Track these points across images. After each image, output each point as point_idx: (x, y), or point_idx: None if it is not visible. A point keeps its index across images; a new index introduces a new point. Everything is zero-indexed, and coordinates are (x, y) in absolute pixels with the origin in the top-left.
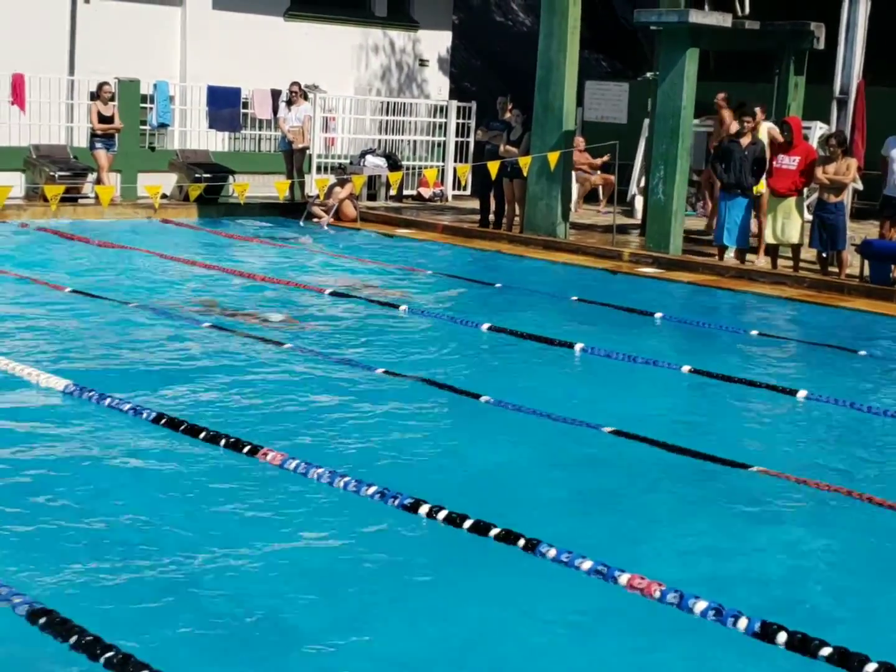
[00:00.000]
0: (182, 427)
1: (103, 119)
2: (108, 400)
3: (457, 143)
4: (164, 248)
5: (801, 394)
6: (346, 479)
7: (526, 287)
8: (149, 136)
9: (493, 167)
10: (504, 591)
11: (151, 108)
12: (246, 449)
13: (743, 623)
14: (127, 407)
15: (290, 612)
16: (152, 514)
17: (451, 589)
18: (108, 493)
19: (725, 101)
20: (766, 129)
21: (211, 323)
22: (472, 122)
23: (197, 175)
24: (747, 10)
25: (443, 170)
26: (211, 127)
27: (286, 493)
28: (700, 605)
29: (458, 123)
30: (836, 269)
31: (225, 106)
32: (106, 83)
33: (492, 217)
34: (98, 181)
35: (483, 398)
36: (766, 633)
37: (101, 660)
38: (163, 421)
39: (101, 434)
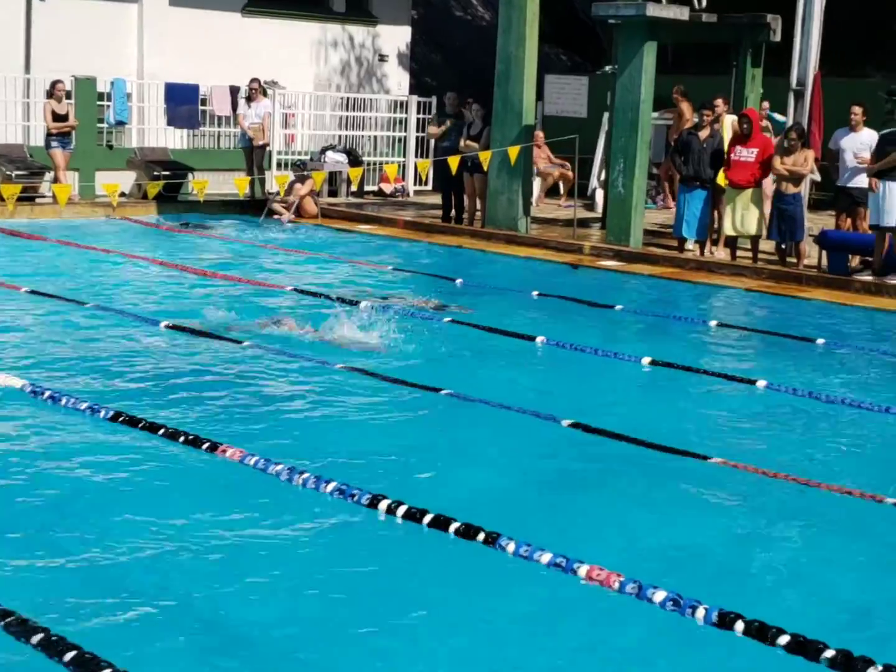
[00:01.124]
0: (140, 424)
1: (58, 118)
2: (65, 399)
3: (417, 138)
4: (123, 247)
5: (761, 383)
6: (305, 475)
7: (488, 282)
8: (106, 134)
9: (454, 162)
10: (465, 585)
11: (109, 106)
12: (205, 446)
13: (701, 613)
14: (84, 406)
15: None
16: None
17: (412, 586)
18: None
19: (683, 94)
20: (730, 122)
21: (172, 323)
22: (431, 117)
23: (156, 173)
24: (704, 2)
25: (404, 165)
26: (169, 124)
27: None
28: (659, 596)
29: (418, 119)
30: (794, 260)
31: (183, 103)
32: (59, 81)
33: (453, 212)
34: (55, 180)
35: (443, 391)
36: (724, 621)
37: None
38: (121, 419)
39: (56, 432)
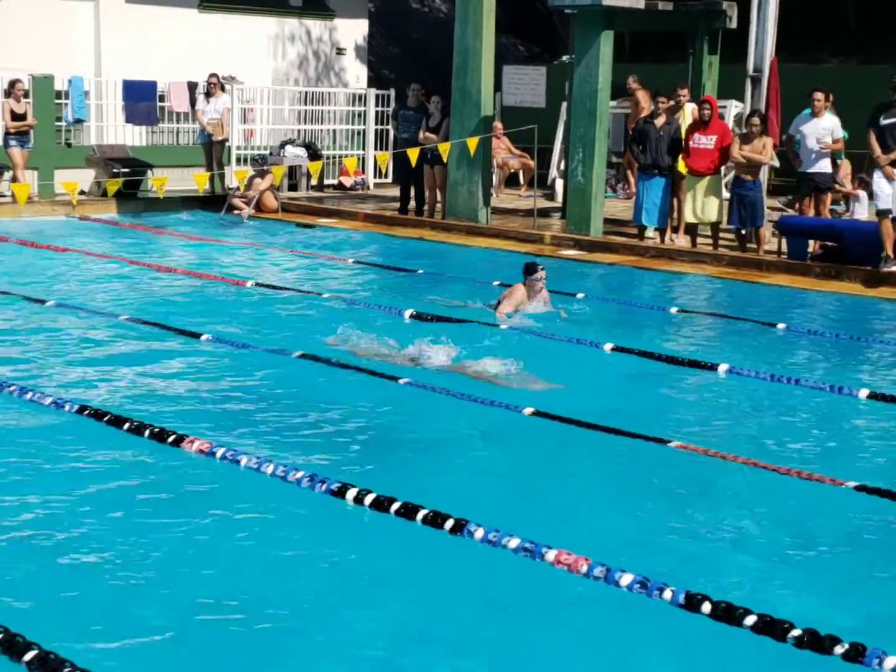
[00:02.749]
0: (106, 418)
1: (16, 116)
2: (30, 394)
3: (376, 130)
4: (83, 245)
5: (723, 367)
6: (272, 464)
7: (449, 273)
8: (65, 133)
9: (413, 154)
10: (436, 572)
11: (67, 104)
12: (170, 439)
13: (668, 594)
14: (48, 401)
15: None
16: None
17: (383, 574)
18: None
19: (639, 83)
20: (690, 110)
21: (128, 316)
22: (391, 110)
23: (115, 170)
24: None
25: (363, 158)
26: (128, 121)
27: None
28: (626, 579)
29: (377, 111)
30: (753, 246)
31: (141, 100)
32: (18, 80)
33: (412, 204)
34: (14, 179)
35: (402, 380)
36: (691, 603)
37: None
38: (86, 412)
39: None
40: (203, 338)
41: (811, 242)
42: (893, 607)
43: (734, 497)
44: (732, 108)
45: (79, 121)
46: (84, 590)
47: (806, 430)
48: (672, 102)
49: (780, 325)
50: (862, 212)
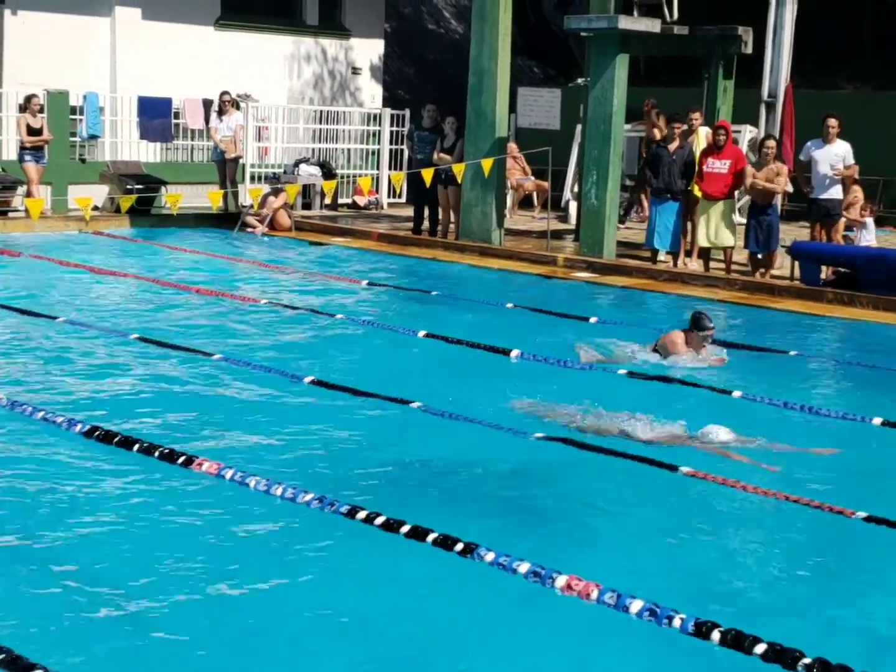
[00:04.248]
0: (116, 439)
1: (32, 131)
2: (42, 413)
3: (391, 150)
4: (96, 261)
5: (736, 394)
6: (283, 486)
7: (462, 294)
8: (79, 148)
9: (428, 175)
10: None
11: (81, 120)
12: (181, 460)
13: (678, 622)
14: (60, 419)
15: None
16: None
17: (393, 594)
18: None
19: (654, 106)
20: (704, 134)
21: (138, 335)
22: (406, 130)
23: (128, 186)
24: (676, 15)
25: (377, 178)
26: (142, 138)
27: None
28: (636, 605)
29: (391, 131)
30: (763, 269)
31: (156, 116)
32: (34, 95)
33: (426, 224)
34: (28, 194)
35: (414, 404)
36: (700, 630)
37: None
38: (96, 434)
39: (32, 445)
40: (215, 357)
41: (824, 268)
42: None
43: (740, 523)
44: (747, 133)
45: (93, 136)
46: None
47: (816, 457)
48: (685, 127)
49: (792, 352)
50: (869, 238)
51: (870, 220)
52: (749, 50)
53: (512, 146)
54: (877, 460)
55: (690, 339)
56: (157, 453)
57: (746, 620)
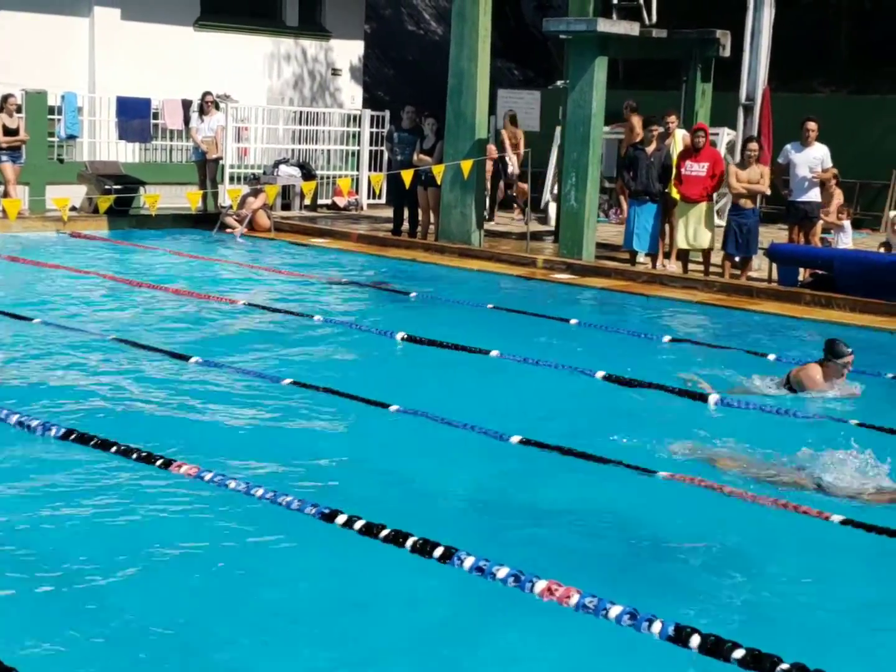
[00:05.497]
0: (92, 442)
1: (8, 131)
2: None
3: (370, 151)
4: (74, 262)
5: (713, 398)
6: (262, 489)
7: (441, 295)
8: (57, 148)
9: (407, 176)
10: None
11: (59, 120)
12: (159, 462)
13: (657, 627)
14: (36, 422)
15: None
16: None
17: (372, 599)
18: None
19: (633, 109)
20: (681, 137)
21: (115, 336)
22: (386, 131)
23: (107, 187)
24: (654, 18)
25: (357, 179)
26: (121, 138)
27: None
28: (615, 610)
29: (371, 132)
30: (737, 272)
31: (135, 116)
32: (11, 95)
33: (406, 226)
34: (5, 194)
35: (392, 407)
36: (680, 636)
37: None
38: (72, 436)
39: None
40: (192, 360)
41: (801, 270)
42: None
43: (716, 526)
44: (724, 136)
45: (71, 137)
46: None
47: (795, 461)
48: (661, 129)
49: (771, 356)
50: (846, 241)
51: (847, 223)
52: (727, 53)
53: (491, 148)
54: None
55: (828, 371)
56: (134, 455)
57: None
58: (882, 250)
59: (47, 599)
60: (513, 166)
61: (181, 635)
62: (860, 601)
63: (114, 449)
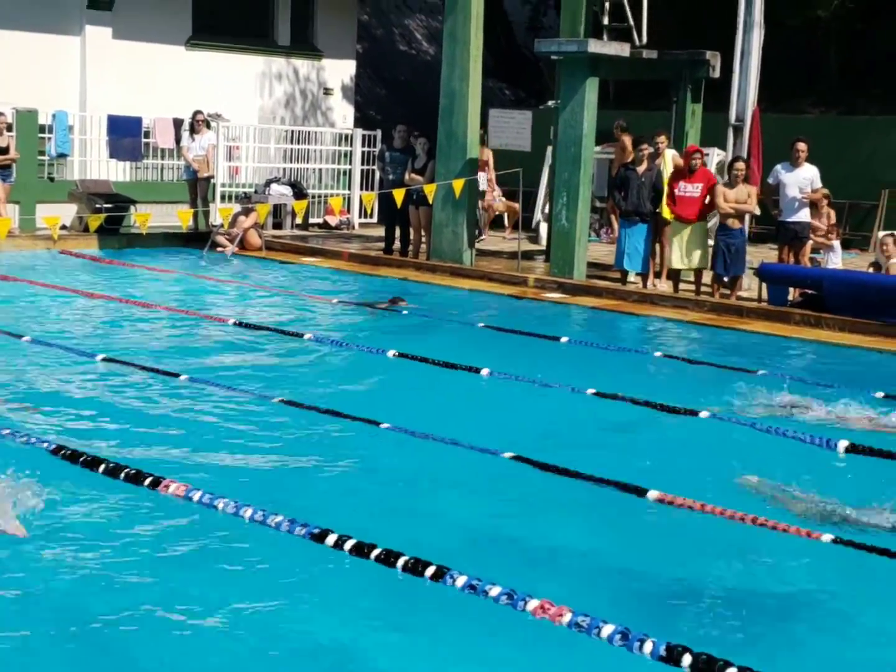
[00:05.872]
0: (81, 459)
1: None
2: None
3: (362, 171)
4: (64, 281)
5: (703, 414)
6: (251, 509)
7: (433, 314)
8: (48, 167)
9: (399, 195)
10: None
11: (50, 139)
12: (147, 481)
13: (648, 646)
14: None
15: None
16: None
17: (362, 621)
18: None
19: (623, 129)
20: (671, 157)
21: (105, 355)
22: (377, 150)
23: (97, 205)
24: (645, 39)
25: (349, 198)
26: (112, 156)
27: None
28: (607, 629)
29: (363, 151)
30: (727, 292)
31: (126, 135)
32: (1, 113)
33: (397, 245)
34: None
35: (383, 425)
36: (672, 655)
37: None
38: (62, 453)
39: None
40: (181, 378)
41: (791, 290)
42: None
43: (705, 546)
44: (714, 156)
45: (62, 155)
46: None
47: (780, 479)
48: (651, 149)
49: (761, 371)
50: (836, 261)
51: (836, 243)
52: (717, 74)
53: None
54: None
55: None
56: (122, 475)
57: None
58: (871, 270)
59: None
60: (483, 185)
61: None
62: None
63: (101, 468)
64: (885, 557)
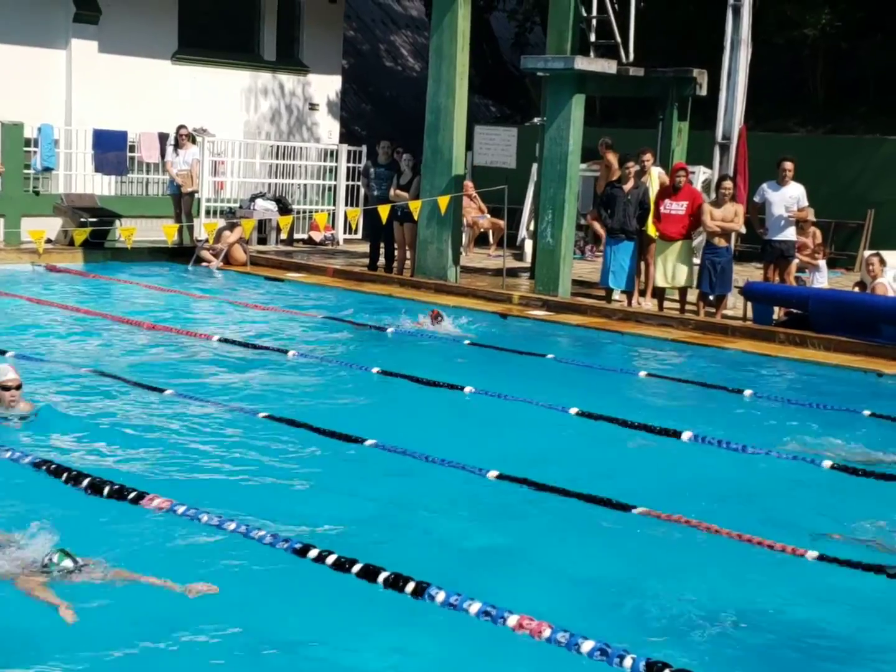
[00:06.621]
0: (65, 475)
1: None
2: None
3: (347, 186)
4: (48, 295)
5: (686, 435)
6: (234, 523)
7: (418, 331)
8: (33, 180)
9: (384, 211)
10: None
11: (35, 152)
12: (131, 495)
13: (629, 662)
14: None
15: None
16: None
17: (341, 636)
18: None
19: (609, 146)
20: (657, 174)
21: (90, 369)
22: (362, 166)
23: (83, 219)
24: (632, 57)
25: (333, 213)
26: (97, 170)
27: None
28: (587, 645)
29: (348, 167)
30: (713, 310)
31: (111, 149)
32: None
33: (382, 261)
34: None
35: (367, 442)
36: (652, 671)
37: None
38: (44, 468)
39: None
40: (166, 392)
41: (776, 309)
42: None
43: (696, 564)
44: (701, 175)
45: (47, 169)
46: None
47: (772, 497)
48: (637, 167)
49: (747, 391)
50: (822, 280)
51: (822, 262)
52: (704, 92)
53: (468, 184)
54: None
55: None
56: (106, 489)
57: None
58: (857, 289)
59: None
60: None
61: None
62: None
63: (85, 482)
64: (871, 573)
